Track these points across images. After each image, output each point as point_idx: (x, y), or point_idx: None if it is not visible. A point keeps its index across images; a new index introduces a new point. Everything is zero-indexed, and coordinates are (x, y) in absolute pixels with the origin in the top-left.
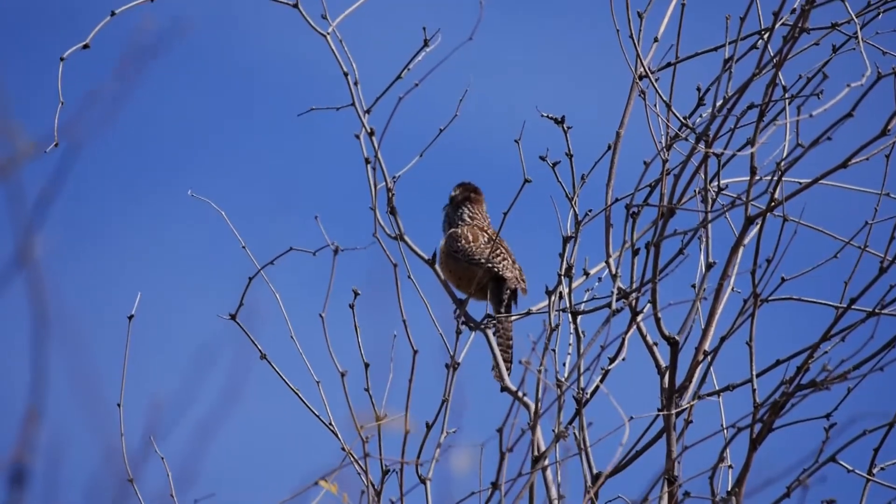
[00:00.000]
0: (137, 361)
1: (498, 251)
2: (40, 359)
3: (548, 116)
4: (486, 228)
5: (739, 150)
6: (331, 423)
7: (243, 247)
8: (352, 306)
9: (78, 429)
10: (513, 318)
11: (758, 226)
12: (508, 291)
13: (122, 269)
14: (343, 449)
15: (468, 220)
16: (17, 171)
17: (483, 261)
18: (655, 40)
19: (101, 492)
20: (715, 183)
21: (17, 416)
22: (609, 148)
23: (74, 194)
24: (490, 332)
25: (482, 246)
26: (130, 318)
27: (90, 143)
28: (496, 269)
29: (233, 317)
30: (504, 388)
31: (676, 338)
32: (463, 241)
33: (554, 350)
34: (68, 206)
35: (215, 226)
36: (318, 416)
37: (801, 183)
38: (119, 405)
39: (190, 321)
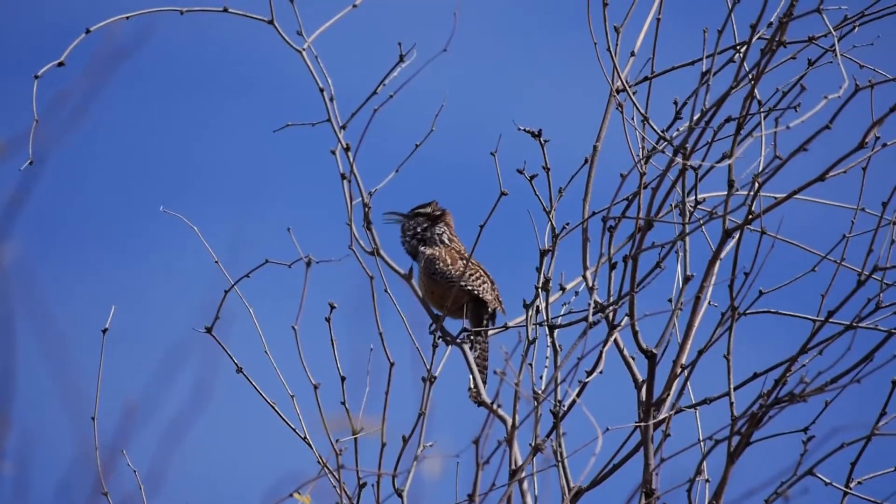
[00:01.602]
0: (110, 373)
1: (478, 274)
2: (7, 365)
3: (525, 130)
4: (461, 251)
5: (717, 164)
6: (305, 437)
7: (216, 262)
8: (328, 319)
9: (50, 436)
10: (490, 332)
11: (735, 239)
12: (488, 313)
13: (97, 278)
14: (319, 462)
15: (447, 241)
16: None
17: (464, 284)
18: (632, 54)
19: (72, 497)
20: (692, 196)
21: None
22: (586, 161)
23: (45, 206)
24: (467, 348)
25: (460, 269)
26: (104, 331)
27: (59, 151)
28: (476, 292)
29: (209, 330)
30: (480, 403)
31: (654, 351)
32: (441, 264)
33: (531, 364)
34: (40, 216)
35: (191, 237)
36: (293, 430)
37: (775, 198)
38: (93, 418)
39: (164, 333)
